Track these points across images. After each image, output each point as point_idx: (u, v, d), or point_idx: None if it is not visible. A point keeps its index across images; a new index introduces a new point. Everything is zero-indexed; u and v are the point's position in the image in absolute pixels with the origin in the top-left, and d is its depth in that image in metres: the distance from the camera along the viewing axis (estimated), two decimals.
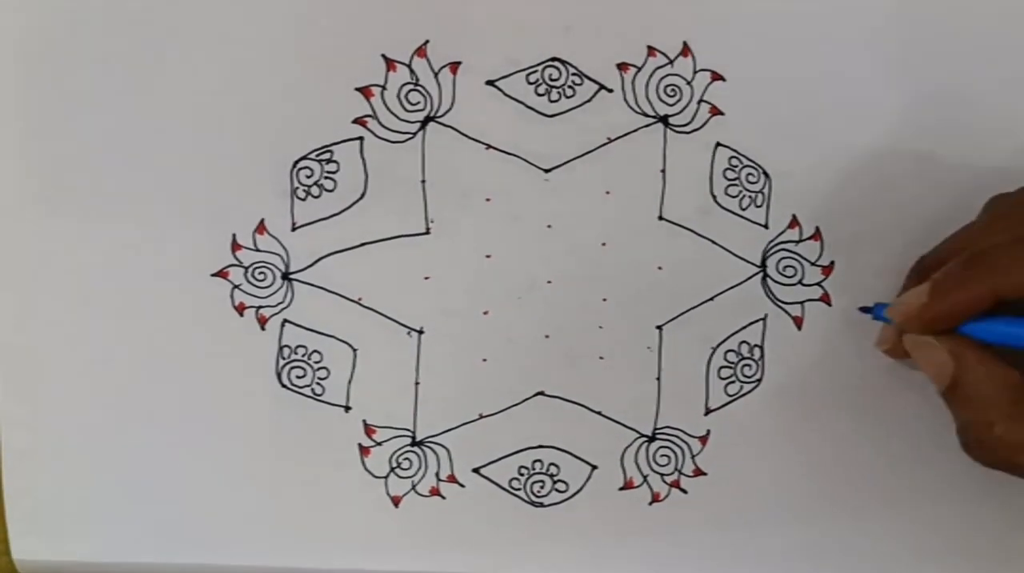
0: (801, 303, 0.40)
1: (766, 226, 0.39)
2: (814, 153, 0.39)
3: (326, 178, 0.38)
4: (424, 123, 0.38)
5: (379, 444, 0.39)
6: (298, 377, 0.39)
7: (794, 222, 0.39)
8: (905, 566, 0.41)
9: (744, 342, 0.40)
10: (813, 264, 0.39)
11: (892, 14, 0.38)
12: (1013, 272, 0.32)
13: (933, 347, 0.33)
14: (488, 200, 0.38)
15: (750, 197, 0.39)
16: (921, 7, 0.38)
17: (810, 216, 0.39)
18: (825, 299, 0.40)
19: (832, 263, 0.39)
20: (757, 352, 0.40)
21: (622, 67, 0.38)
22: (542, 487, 0.40)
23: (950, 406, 0.34)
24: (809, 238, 0.39)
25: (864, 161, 0.39)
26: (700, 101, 0.38)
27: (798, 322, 0.40)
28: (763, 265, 0.39)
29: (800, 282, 0.40)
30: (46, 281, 0.38)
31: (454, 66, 0.37)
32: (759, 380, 0.40)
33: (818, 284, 0.40)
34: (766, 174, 0.39)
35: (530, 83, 0.38)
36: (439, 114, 0.38)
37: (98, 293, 0.38)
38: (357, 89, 0.37)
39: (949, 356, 0.33)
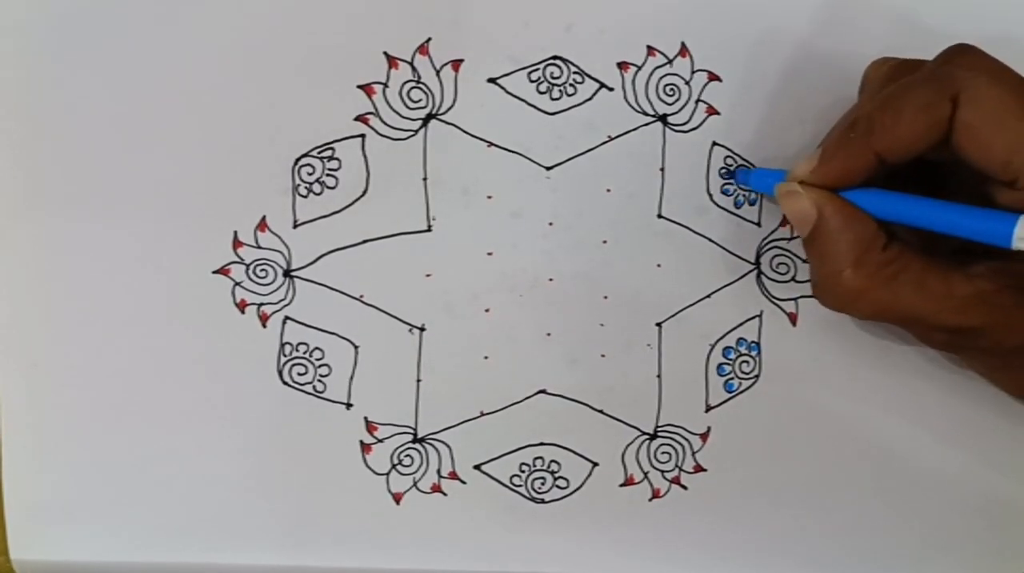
0: (795, 300, 0.40)
1: (759, 224, 0.40)
2: (804, 151, 0.39)
3: (328, 175, 0.38)
4: (426, 120, 0.38)
5: (380, 441, 0.39)
6: (299, 374, 0.38)
7: (785, 220, 0.40)
8: (904, 561, 0.41)
9: (742, 339, 0.40)
10: (805, 261, 0.40)
11: (888, 15, 0.39)
12: (888, 131, 0.32)
13: (798, 195, 0.34)
14: (489, 197, 0.38)
15: (744, 195, 0.39)
16: (919, 10, 0.39)
17: None
18: None
19: None
20: (755, 348, 0.40)
21: (622, 66, 0.38)
22: (543, 484, 0.40)
23: (808, 254, 0.35)
24: (799, 236, 0.40)
25: None
26: (698, 100, 0.39)
27: (792, 318, 0.40)
28: (757, 262, 0.40)
29: (793, 279, 0.40)
30: (46, 279, 0.37)
31: (456, 64, 0.38)
32: (757, 376, 0.40)
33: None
34: None
35: (532, 81, 0.38)
36: (441, 111, 0.38)
37: (99, 291, 0.37)
38: (359, 86, 0.37)
39: (811, 205, 0.34)
